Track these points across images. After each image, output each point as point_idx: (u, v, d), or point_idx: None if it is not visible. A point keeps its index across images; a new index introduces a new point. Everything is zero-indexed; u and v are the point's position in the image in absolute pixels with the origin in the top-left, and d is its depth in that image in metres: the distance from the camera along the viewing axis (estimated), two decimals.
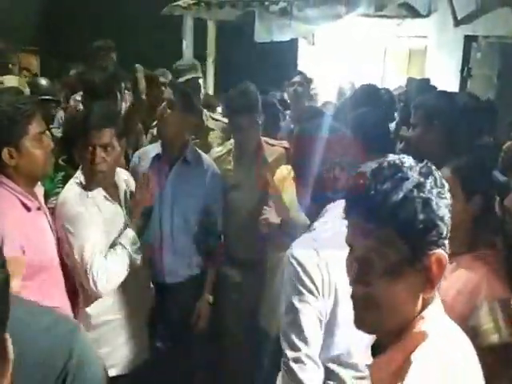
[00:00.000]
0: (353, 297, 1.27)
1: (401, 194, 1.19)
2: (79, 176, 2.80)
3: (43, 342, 1.18)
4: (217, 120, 4.26)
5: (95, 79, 3.95)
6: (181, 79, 4.39)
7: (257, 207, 3.27)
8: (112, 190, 2.86)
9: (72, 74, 4.88)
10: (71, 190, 2.77)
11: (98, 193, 2.77)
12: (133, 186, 3.00)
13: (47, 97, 4.49)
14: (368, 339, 1.36)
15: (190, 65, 4.66)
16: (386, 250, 1.20)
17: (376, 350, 1.32)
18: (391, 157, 1.29)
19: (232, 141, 3.54)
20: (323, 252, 1.89)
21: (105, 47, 5.38)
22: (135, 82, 3.58)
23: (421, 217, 1.19)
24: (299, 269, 1.90)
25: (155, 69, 5.13)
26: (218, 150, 3.62)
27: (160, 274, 3.24)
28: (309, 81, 5.48)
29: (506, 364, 1.94)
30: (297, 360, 1.88)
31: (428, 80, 5.34)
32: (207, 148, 3.73)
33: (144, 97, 3.61)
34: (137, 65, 3.60)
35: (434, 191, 1.24)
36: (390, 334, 1.26)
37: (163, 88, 4.12)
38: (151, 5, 7.55)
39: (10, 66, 5.37)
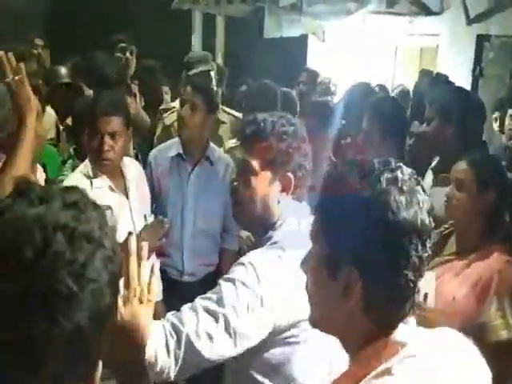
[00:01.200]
0: None
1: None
2: (86, 166, 2.77)
3: None
4: (228, 113, 4.22)
5: (106, 70, 3.93)
6: (192, 71, 4.34)
7: None
8: (118, 181, 2.83)
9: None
10: (74, 179, 2.74)
11: (104, 183, 2.74)
12: (139, 175, 2.95)
13: (67, 80, 4.44)
14: None
15: (201, 56, 4.60)
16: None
17: None
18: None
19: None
20: None
21: (125, 40, 5.38)
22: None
23: None
24: (246, 278, 1.65)
25: (164, 62, 5.11)
26: (232, 142, 3.59)
27: (179, 273, 3.22)
28: (315, 77, 5.43)
29: None
30: None
31: (442, 75, 5.30)
32: (218, 141, 3.69)
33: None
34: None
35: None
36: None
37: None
38: None
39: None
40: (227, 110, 4.27)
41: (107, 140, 2.65)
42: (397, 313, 1.13)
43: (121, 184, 2.83)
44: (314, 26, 6.66)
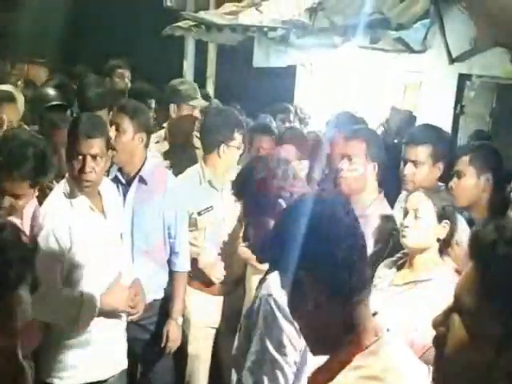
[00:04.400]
0: None
1: None
2: (66, 184, 2.83)
3: None
4: None
5: (89, 94, 4.02)
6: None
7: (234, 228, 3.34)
8: (96, 200, 2.90)
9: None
10: (55, 199, 2.81)
11: (83, 202, 2.81)
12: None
13: (56, 102, 4.53)
14: None
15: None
16: None
17: None
18: None
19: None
20: None
21: (120, 66, 5.51)
22: None
23: None
24: (278, 314, 1.81)
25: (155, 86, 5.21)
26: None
27: None
28: (289, 111, 5.61)
29: None
30: None
31: (410, 112, 5.46)
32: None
33: None
34: None
35: None
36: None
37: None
38: (154, 24, 7.67)
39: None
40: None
41: (89, 162, 2.72)
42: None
43: (99, 203, 2.91)
44: (300, 57, 6.82)
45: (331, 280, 1.28)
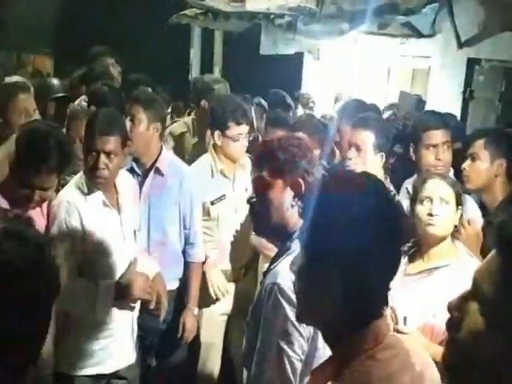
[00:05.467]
0: None
1: None
2: (81, 178, 2.82)
3: None
4: None
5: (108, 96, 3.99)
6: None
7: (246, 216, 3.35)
8: (111, 195, 2.88)
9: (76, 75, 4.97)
10: (69, 193, 2.81)
11: (97, 197, 2.80)
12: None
13: (60, 94, 4.54)
14: None
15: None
16: None
17: None
18: None
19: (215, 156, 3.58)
20: None
21: (103, 53, 5.47)
22: None
23: None
24: (283, 301, 1.79)
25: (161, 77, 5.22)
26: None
27: None
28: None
29: None
30: None
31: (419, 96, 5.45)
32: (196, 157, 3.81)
33: None
34: None
35: None
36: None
37: None
38: (161, 13, 7.64)
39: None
40: None
41: (103, 159, 2.69)
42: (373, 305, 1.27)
43: (113, 198, 2.88)
44: (308, 44, 6.80)
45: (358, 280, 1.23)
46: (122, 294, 2.76)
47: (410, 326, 2.31)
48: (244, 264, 3.55)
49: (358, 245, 1.20)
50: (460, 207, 2.53)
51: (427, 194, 2.54)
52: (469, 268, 2.35)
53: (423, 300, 2.41)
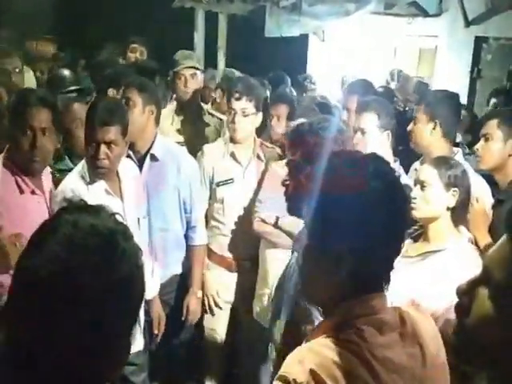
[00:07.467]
0: None
1: None
2: (84, 167, 2.81)
3: None
4: (213, 115, 4.29)
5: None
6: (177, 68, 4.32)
7: (251, 203, 3.33)
8: (114, 183, 2.87)
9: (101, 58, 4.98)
10: (71, 181, 2.80)
11: (100, 186, 2.78)
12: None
13: (75, 87, 4.46)
14: None
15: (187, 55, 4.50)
16: None
17: None
18: None
19: (226, 136, 3.56)
20: None
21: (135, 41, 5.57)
22: None
23: None
24: None
25: (166, 59, 5.17)
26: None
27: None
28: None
29: None
30: None
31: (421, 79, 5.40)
32: (204, 143, 3.75)
33: None
34: None
35: None
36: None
37: None
38: None
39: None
40: (212, 112, 4.34)
41: (103, 149, 2.68)
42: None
43: (116, 186, 2.88)
44: (313, 26, 6.72)
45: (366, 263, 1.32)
46: None
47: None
48: (248, 255, 3.52)
49: (364, 226, 1.29)
50: (454, 190, 2.53)
51: (414, 177, 2.69)
52: (463, 255, 2.39)
53: (417, 281, 2.41)
